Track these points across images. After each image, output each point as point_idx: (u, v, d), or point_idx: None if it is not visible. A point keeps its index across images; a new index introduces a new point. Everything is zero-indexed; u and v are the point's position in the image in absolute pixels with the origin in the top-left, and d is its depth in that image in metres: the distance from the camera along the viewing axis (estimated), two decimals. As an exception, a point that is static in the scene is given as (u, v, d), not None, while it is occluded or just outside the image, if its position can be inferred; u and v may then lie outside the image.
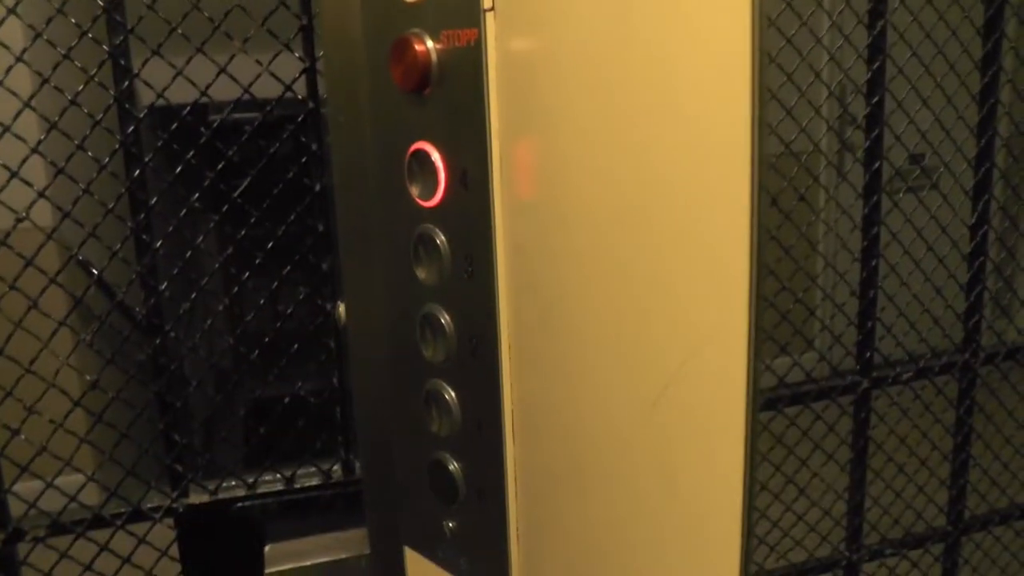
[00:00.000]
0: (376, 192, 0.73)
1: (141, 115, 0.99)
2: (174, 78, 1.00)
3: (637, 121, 0.51)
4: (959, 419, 1.41)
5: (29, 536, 1.02)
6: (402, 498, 0.77)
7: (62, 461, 1.03)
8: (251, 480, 1.06)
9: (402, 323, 0.72)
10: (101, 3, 0.94)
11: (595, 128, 0.54)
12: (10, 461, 1.01)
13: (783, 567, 1.40)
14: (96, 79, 0.99)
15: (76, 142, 0.99)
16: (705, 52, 0.47)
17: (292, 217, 1.01)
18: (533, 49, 0.58)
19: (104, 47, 0.96)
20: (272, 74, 1.01)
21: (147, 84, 1.00)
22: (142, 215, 0.99)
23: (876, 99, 1.26)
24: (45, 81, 0.95)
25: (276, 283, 1.01)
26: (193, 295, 1.02)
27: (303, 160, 1.01)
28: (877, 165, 1.28)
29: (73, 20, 0.96)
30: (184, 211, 1.01)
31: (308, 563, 0.97)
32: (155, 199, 1.00)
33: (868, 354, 1.33)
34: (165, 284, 1.01)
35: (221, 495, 1.05)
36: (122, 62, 0.96)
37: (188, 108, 1.00)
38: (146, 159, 0.99)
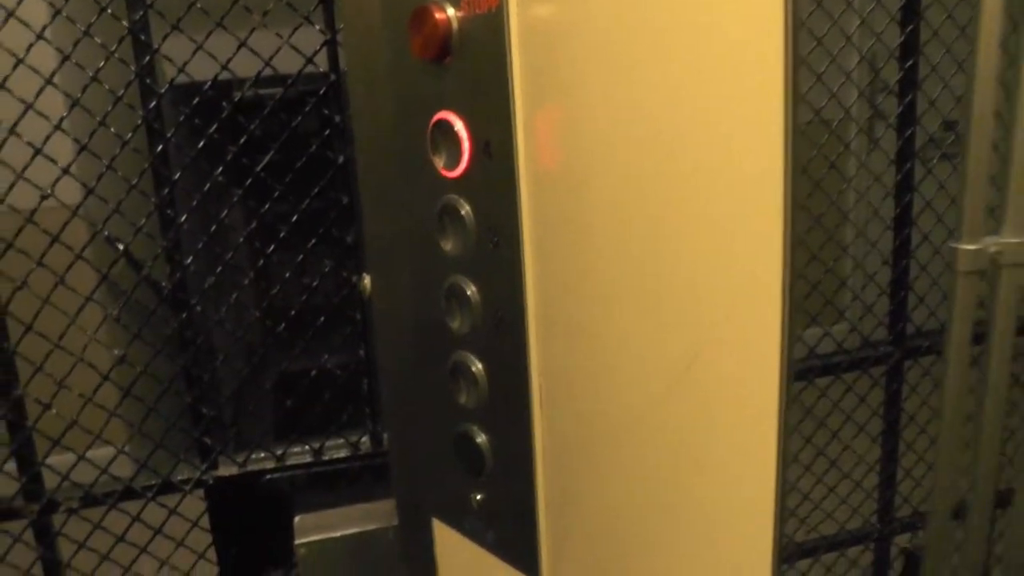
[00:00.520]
0: (399, 163, 0.72)
1: (162, 91, 0.99)
2: (194, 53, 1.00)
3: (665, 86, 0.49)
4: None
5: (63, 508, 1.04)
6: (429, 470, 0.77)
7: (93, 434, 1.05)
8: (280, 452, 1.07)
9: (427, 295, 0.71)
10: (121, -22, 0.94)
11: (621, 94, 0.53)
12: (42, 435, 1.03)
13: (813, 539, 1.39)
14: (117, 55, 0.99)
15: (98, 118, 0.99)
16: (736, 18, 0.45)
17: (316, 190, 1.01)
18: (556, 14, 0.57)
19: (124, 23, 0.96)
20: (293, 47, 1.00)
21: (168, 59, 0.99)
22: (166, 190, 0.99)
23: (910, 63, 1.23)
24: (66, 58, 0.95)
25: (301, 256, 1.01)
26: (219, 269, 1.02)
27: (326, 133, 1.01)
28: (910, 131, 1.26)
29: (93, -4, 0.96)
30: (207, 185, 1.01)
31: (337, 534, 0.97)
32: (178, 174, 1.00)
33: (900, 324, 1.31)
34: (190, 258, 1.02)
35: (250, 467, 1.06)
36: (142, 37, 0.96)
37: (209, 83, 0.99)
38: (168, 135, 0.99)
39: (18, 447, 1.00)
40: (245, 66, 1.01)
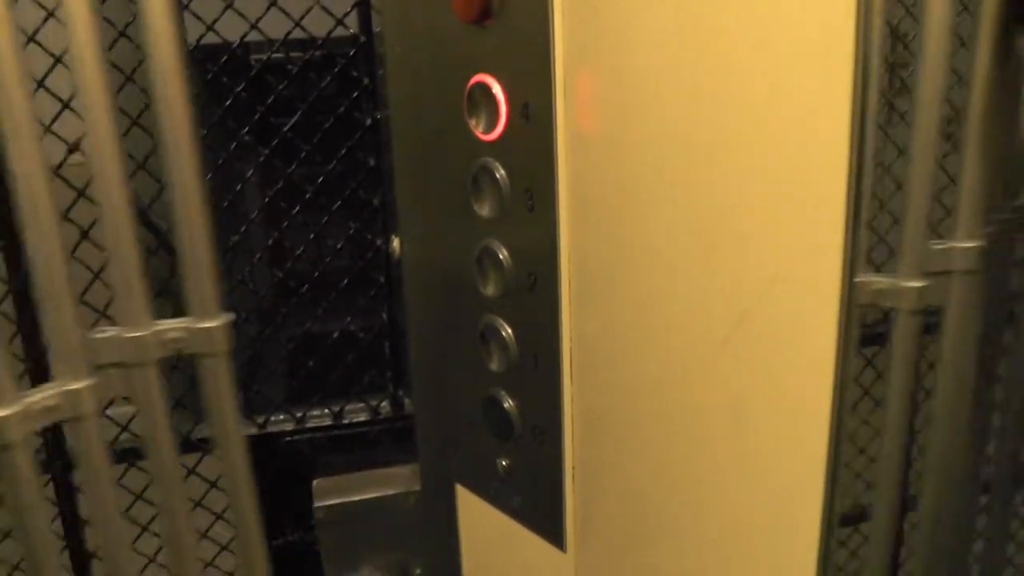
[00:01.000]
0: (433, 126, 0.71)
1: (190, 49, 0.98)
2: (223, 11, 0.99)
3: (717, 45, 0.49)
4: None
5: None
6: (455, 435, 0.77)
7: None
8: (299, 415, 1.07)
9: (458, 258, 0.71)
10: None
11: (668, 55, 0.52)
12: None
13: (854, 508, 1.36)
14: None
15: (126, 74, 0.98)
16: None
17: (343, 152, 1.00)
18: (603, -26, 0.56)
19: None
20: (324, 7, 0.99)
21: (197, 17, 0.99)
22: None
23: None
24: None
25: (326, 218, 1.01)
26: (243, 228, 1.02)
27: (354, 95, 1.00)
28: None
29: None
30: (234, 144, 1.01)
31: (356, 498, 0.98)
32: (204, 133, 0.99)
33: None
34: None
35: (270, 429, 1.07)
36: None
37: (238, 43, 0.98)
38: (196, 92, 0.98)
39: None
40: (274, 26, 1.00)
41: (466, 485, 0.78)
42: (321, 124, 1.00)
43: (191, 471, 1.09)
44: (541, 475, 0.70)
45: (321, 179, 1.03)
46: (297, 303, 1.08)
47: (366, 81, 0.99)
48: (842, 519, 1.15)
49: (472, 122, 0.66)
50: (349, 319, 1.08)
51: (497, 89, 0.64)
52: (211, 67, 1.00)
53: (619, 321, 0.60)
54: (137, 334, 0.71)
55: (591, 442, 0.66)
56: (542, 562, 0.71)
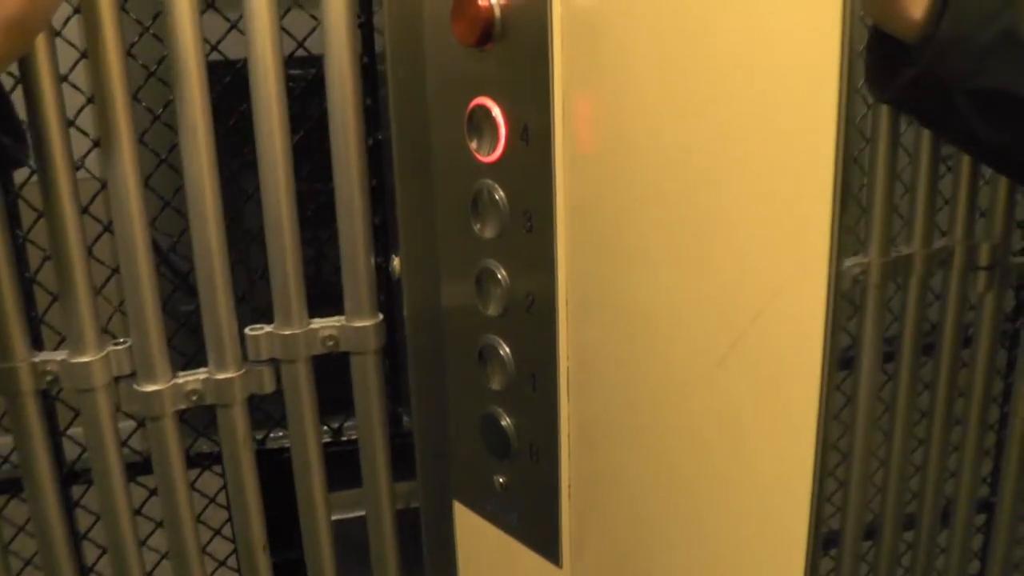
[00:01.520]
0: (434, 147, 0.73)
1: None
2: (228, 31, 1.00)
3: (715, 71, 0.50)
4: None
5: (82, 479, 1.05)
6: (453, 452, 0.78)
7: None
8: (298, 432, 1.07)
9: (458, 278, 0.72)
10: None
11: (664, 80, 0.54)
12: (65, 404, 1.04)
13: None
14: (151, 31, 0.99)
15: (132, 93, 0.99)
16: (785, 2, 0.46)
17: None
18: (599, 1, 0.58)
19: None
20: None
21: (206, 41, 1.00)
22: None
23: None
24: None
25: (328, 235, 1.02)
26: (245, 245, 1.03)
27: (355, 115, 1.01)
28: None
29: (130, -30, 0.96)
30: (238, 163, 1.02)
31: (353, 515, 0.98)
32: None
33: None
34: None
35: (268, 445, 1.07)
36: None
37: (241, 63, 0.99)
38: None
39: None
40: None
41: (463, 502, 0.79)
42: (322, 143, 1.01)
43: (190, 486, 1.09)
44: (538, 492, 0.71)
45: (322, 198, 1.04)
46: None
47: (368, 102, 1.00)
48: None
49: (472, 144, 0.67)
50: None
51: (497, 112, 0.65)
52: (216, 86, 1.01)
53: (615, 340, 0.61)
54: (291, 332, 0.79)
55: (587, 459, 0.66)
56: (538, 578, 0.72)
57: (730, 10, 0.49)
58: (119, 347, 0.82)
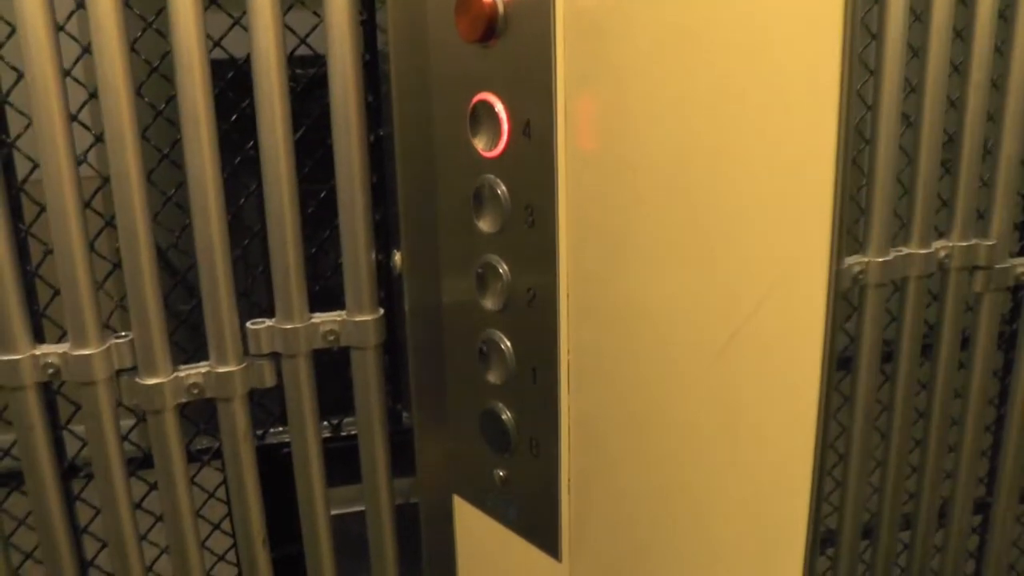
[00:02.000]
0: (437, 143, 0.73)
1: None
2: (230, 28, 1.01)
3: (718, 69, 0.50)
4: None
5: (82, 473, 1.05)
6: (453, 447, 0.78)
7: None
8: (297, 427, 1.07)
9: (460, 272, 0.72)
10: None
11: (666, 77, 0.54)
12: (66, 399, 1.04)
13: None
14: (154, 27, 0.99)
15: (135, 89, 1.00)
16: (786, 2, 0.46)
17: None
18: (604, -2, 0.58)
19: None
20: (329, 25, 1.00)
21: (209, 37, 1.00)
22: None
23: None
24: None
25: (328, 231, 1.02)
26: (245, 242, 1.03)
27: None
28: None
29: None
30: (238, 159, 1.02)
31: (352, 510, 0.98)
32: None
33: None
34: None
35: (268, 440, 1.07)
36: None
37: (243, 60, 1.00)
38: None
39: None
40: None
41: (463, 496, 0.79)
42: (324, 140, 1.02)
43: (190, 480, 1.09)
44: (538, 487, 0.71)
45: (323, 194, 1.04)
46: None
47: (370, 98, 1.00)
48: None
49: (475, 139, 0.68)
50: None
51: (499, 107, 0.66)
52: (217, 82, 1.01)
53: (616, 335, 0.61)
54: (292, 326, 0.80)
55: (587, 454, 0.67)
56: (538, 572, 0.72)
57: (732, 10, 0.49)
58: (120, 340, 0.82)
